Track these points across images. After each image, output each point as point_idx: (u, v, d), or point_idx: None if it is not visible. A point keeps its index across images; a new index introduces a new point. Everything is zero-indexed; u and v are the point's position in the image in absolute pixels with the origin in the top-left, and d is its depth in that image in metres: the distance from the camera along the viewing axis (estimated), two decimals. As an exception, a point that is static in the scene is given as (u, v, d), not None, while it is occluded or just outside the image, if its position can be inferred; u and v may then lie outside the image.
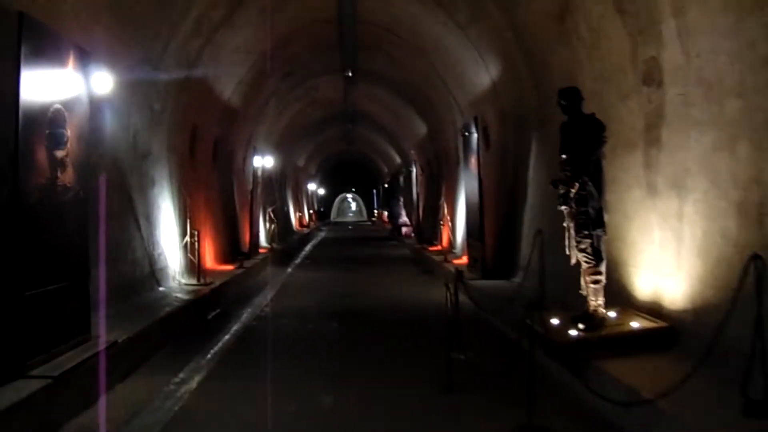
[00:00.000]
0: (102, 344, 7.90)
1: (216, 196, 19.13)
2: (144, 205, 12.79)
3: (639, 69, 8.81)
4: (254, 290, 16.02)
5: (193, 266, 14.47)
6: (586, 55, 10.49)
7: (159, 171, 13.79)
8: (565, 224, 8.38)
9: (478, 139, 14.68)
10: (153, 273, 12.69)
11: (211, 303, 13.08)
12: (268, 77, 21.23)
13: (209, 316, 12.65)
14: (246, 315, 12.92)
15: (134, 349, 8.73)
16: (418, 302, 14.20)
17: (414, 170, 29.75)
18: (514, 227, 14.49)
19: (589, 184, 7.85)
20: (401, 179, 37.76)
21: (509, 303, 10.54)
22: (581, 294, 8.52)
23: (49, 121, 7.18)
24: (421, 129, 27.99)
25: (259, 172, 22.68)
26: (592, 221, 7.87)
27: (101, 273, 8.58)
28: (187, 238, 14.32)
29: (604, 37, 9.79)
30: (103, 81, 8.22)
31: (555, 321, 8.10)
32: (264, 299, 14.81)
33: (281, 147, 31.81)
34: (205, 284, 13.79)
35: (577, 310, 9.71)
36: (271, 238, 26.60)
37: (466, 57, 16.53)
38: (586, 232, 7.90)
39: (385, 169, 52.40)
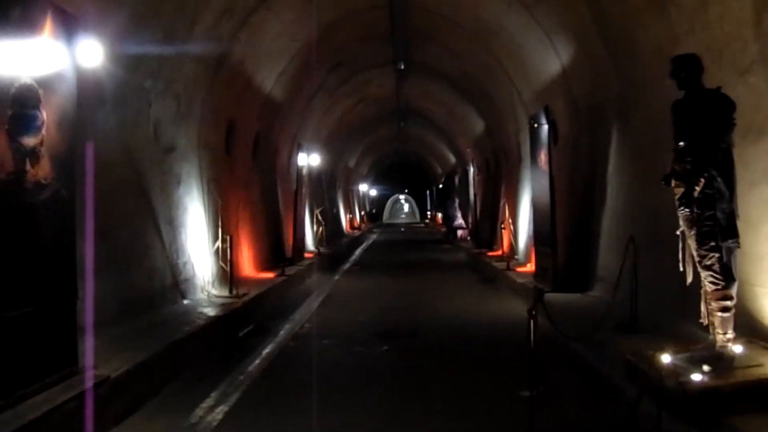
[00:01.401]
0: (89, 380, 6.29)
1: (256, 196, 17.57)
2: (167, 207, 11.25)
3: (766, 35, 6.99)
4: (295, 302, 14.35)
5: (226, 275, 12.88)
6: (686, 25, 8.61)
7: (187, 168, 12.24)
8: (679, 231, 6.53)
9: (549, 131, 12.81)
10: (176, 284, 11.13)
11: (242, 318, 11.46)
12: (314, 69, 19.59)
13: (240, 334, 11.02)
14: (283, 333, 11.26)
15: (136, 384, 7.11)
16: (480, 319, 12.37)
17: (471, 170, 27.90)
18: (589, 233, 12.62)
19: (718, 179, 6.00)
20: (456, 179, 35.91)
21: (593, 324, 8.76)
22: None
23: (12, 99, 5.57)
24: (478, 126, 26.18)
25: (305, 171, 21.06)
26: (722, 229, 6.00)
27: (88, 289, 6.94)
28: (218, 244, 12.70)
29: (713, 1, 7.94)
30: (92, 53, 6.54)
31: (666, 358, 6.23)
32: (305, 313, 13.15)
33: (330, 146, 30.24)
34: (238, 296, 12.18)
35: (679, 336, 7.92)
36: (318, 241, 25.01)
37: (532, 41, 14.69)
38: (713, 244, 6.04)
39: (439, 170, 50.70)
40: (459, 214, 34.75)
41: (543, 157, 13.20)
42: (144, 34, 9.93)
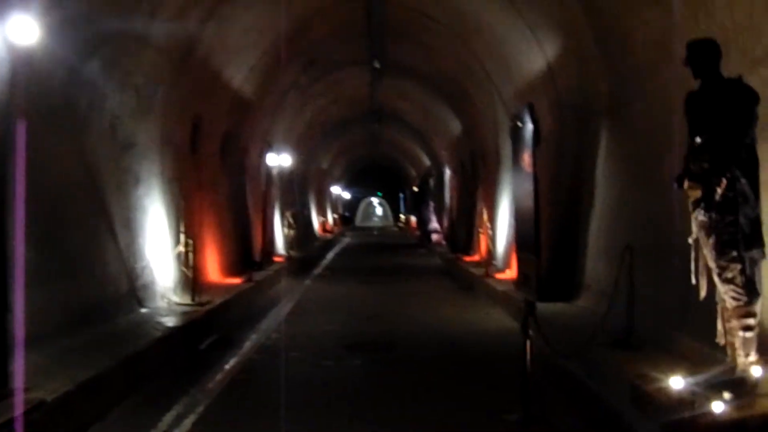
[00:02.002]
0: (20, 405, 5.47)
1: (224, 198, 16.73)
2: (124, 209, 10.42)
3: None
4: (262, 310, 13.53)
5: (190, 281, 12.05)
6: (687, 12, 7.92)
7: (147, 167, 11.41)
8: (691, 239, 5.80)
9: (533, 130, 12.08)
10: (133, 291, 10.29)
11: (204, 328, 10.65)
12: (286, 66, 18.76)
13: (202, 346, 10.21)
14: (248, 344, 10.46)
15: (78, 407, 6.28)
16: (460, 330, 11.65)
17: (446, 172, 27.20)
18: (575, 239, 11.93)
19: (742, 180, 5.27)
20: (431, 182, 35.24)
21: (584, 337, 8.06)
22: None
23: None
24: (455, 127, 25.48)
25: (275, 172, 20.25)
26: (744, 237, 5.27)
27: (20, 301, 6.09)
28: (180, 248, 11.86)
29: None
30: (25, 30, 5.70)
31: (678, 383, 5.50)
32: (273, 322, 12.35)
33: (303, 147, 29.41)
34: (200, 304, 11.36)
35: (680, 353, 7.24)
36: (289, 245, 24.18)
37: (515, 37, 14.00)
38: (735, 254, 5.28)
39: (413, 173, 50.02)
40: (434, 218, 34.07)
41: (527, 158, 12.49)
42: (99, 18, 9.10)
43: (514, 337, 10.63)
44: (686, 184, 5.68)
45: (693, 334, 7.45)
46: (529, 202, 12.38)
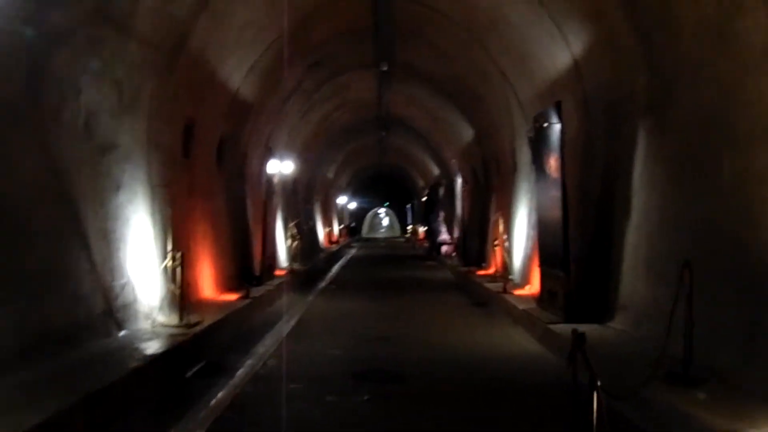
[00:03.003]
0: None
1: (221, 207, 15.53)
2: (101, 219, 9.22)
3: None
4: (259, 331, 12.23)
5: (182, 298, 10.87)
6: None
7: (130, 172, 10.21)
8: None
9: (561, 131, 10.82)
10: (111, 312, 9.08)
11: (192, 353, 9.44)
12: (288, 67, 17.56)
13: (188, 374, 8.99)
14: (241, 372, 9.21)
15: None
16: (478, 355, 10.33)
17: (457, 181, 25.95)
18: (607, 252, 10.69)
19: None
20: (441, 192, 33.98)
21: (630, 369, 6.86)
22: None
23: None
24: (467, 133, 24.28)
25: (276, 179, 19.05)
26: None
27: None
28: (167, 262, 10.64)
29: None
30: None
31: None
32: (270, 345, 11.07)
33: (307, 154, 28.24)
34: (188, 325, 10.14)
35: (751, 391, 6.02)
36: (292, 257, 22.95)
37: (536, 30, 12.82)
38: None
39: (421, 183, 48.87)
40: (444, 229, 32.80)
41: (553, 162, 11.24)
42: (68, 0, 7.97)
43: (542, 364, 9.46)
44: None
45: (759, 363, 6.25)
46: (555, 211, 11.15)
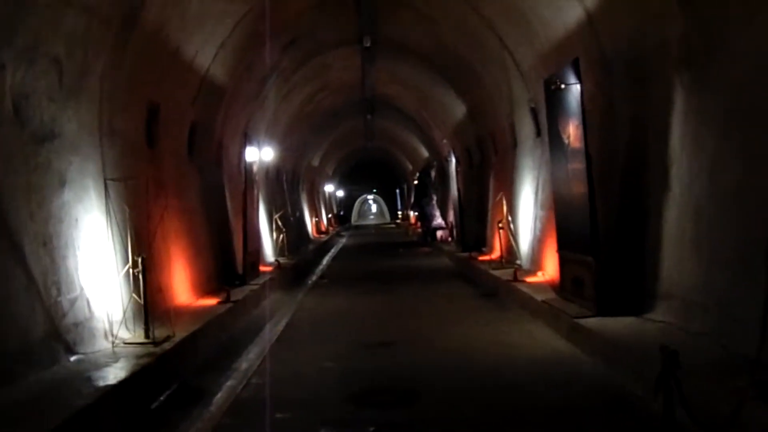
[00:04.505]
0: None
1: (195, 202, 13.96)
2: (39, 222, 7.64)
3: None
4: (241, 340, 10.67)
5: (152, 309, 9.33)
6: None
7: (78, 164, 8.63)
8: None
9: (581, 92, 9.28)
10: (57, 334, 7.52)
11: (160, 377, 7.91)
12: (263, 46, 15.99)
13: (154, 405, 7.47)
14: (219, 399, 7.67)
15: None
16: (500, 360, 8.72)
17: (451, 161, 24.40)
18: (641, 232, 9.21)
19: None
20: (433, 174, 32.42)
21: (708, 379, 5.40)
22: None
23: None
24: (458, 110, 22.76)
25: (256, 168, 17.46)
26: None
27: None
28: (128, 269, 9.09)
29: None
30: None
31: None
32: (254, 359, 9.49)
33: (290, 141, 26.69)
34: (155, 342, 8.60)
35: None
36: (279, 251, 21.41)
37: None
38: None
39: (410, 166, 47.39)
40: (437, 213, 31.27)
41: (572, 130, 9.70)
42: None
43: (578, 371, 7.91)
44: None
45: None
46: (577, 186, 9.64)
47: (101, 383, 6.76)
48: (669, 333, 7.67)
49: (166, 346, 8.56)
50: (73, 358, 7.59)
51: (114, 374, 7.12)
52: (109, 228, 9.20)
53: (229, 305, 11.95)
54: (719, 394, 5.33)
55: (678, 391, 4.28)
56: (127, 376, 7.13)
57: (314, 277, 20.09)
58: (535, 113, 14.26)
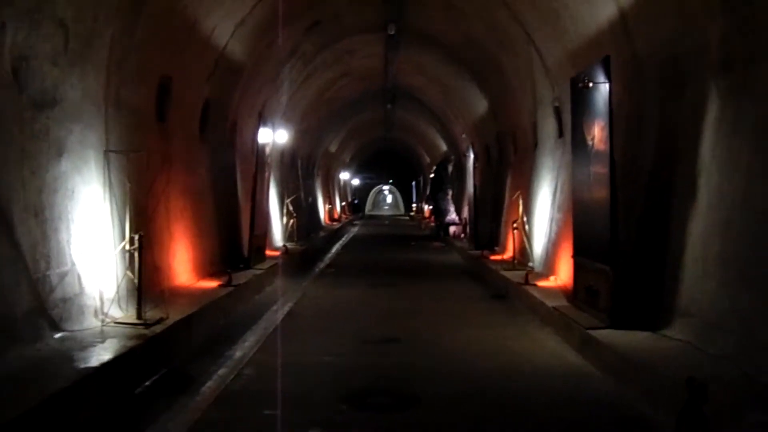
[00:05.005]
0: None
1: (204, 181, 13.62)
2: (31, 191, 7.31)
3: None
4: (238, 328, 10.30)
5: (149, 288, 9.00)
6: None
7: (79, 134, 8.29)
8: None
9: (610, 92, 8.82)
10: (42, 309, 7.17)
11: (148, 360, 7.56)
12: (284, 26, 15.57)
13: (138, 390, 7.12)
14: (208, 387, 7.31)
15: None
16: (507, 368, 8.25)
17: (470, 157, 23.92)
18: (663, 244, 8.75)
19: None
20: (450, 168, 31.93)
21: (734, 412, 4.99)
22: None
23: None
24: (480, 105, 22.29)
25: (268, 150, 17.09)
26: None
27: None
28: (125, 245, 8.74)
29: None
30: None
31: None
32: (249, 348, 9.10)
33: (308, 127, 26.31)
34: (147, 323, 8.25)
35: None
36: (288, 236, 21.06)
37: (573, -21, 10.85)
38: None
39: (428, 159, 46.90)
40: (452, 208, 30.79)
41: (597, 131, 9.25)
42: None
43: (591, 388, 7.44)
44: None
45: None
46: (599, 191, 9.20)
47: (82, 365, 6.42)
48: (687, 353, 7.23)
49: (158, 328, 8.22)
50: (57, 336, 7.26)
51: (98, 355, 6.78)
52: (109, 202, 8.86)
53: (229, 289, 11.61)
54: (743, 428, 4.92)
55: (704, 429, 3.86)
56: (112, 358, 6.79)
57: (322, 265, 19.71)
58: (558, 113, 13.79)
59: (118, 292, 8.73)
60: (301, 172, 27.33)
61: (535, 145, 16.22)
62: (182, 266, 11.75)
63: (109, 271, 8.68)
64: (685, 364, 6.78)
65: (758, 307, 6.53)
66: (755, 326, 6.52)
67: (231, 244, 14.93)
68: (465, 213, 27.42)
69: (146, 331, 8.00)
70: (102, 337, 7.57)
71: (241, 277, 12.83)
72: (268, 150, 17.13)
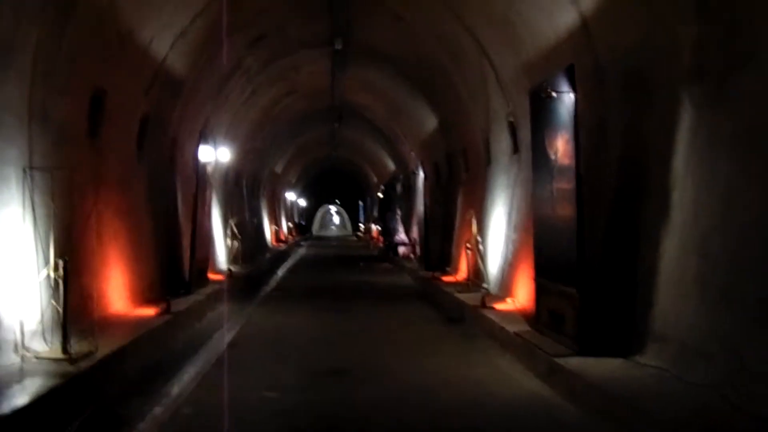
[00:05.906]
0: None
1: (140, 201, 12.78)
2: (-63, 211, 6.46)
3: None
4: (176, 361, 9.45)
5: (77, 318, 8.18)
6: None
7: (-5, 150, 7.46)
8: None
9: (575, 103, 8.29)
10: (-51, 347, 6.33)
11: (72, 401, 6.74)
12: (227, 38, 14.84)
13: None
14: (143, 428, 6.54)
15: None
16: (468, 402, 7.55)
17: (419, 175, 23.40)
18: (632, 263, 8.23)
19: None
20: (399, 188, 31.42)
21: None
22: None
23: None
24: (430, 122, 21.80)
25: (210, 169, 16.30)
26: None
27: None
28: (48, 272, 7.92)
29: None
30: None
31: None
32: (188, 383, 8.32)
33: (252, 145, 25.51)
34: (71, 359, 7.44)
35: None
36: (233, 259, 20.23)
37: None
38: None
39: (375, 179, 46.35)
40: (401, 228, 30.25)
41: (560, 145, 8.71)
42: None
43: (561, 418, 6.89)
44: None
45: None
46: (562, 209, 8.66)
47: (-6, 410, 5.61)
48: (664, 382, 6.68)
49: (85, 363, 7.42)
50: (-37, 377, 6.43)
51: (11, 399, 5.97)
52: (31, 224, 8.03)
53: (167, 317, 10.80)
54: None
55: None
56: (27, 402, 5.97)
57: (268, 289, 18.90)
58: (513, 128, 13.30)
59: (42, 323, 7.90)
60: (246, 192, 26.53)
61: (488, 162, 15.72)
62: (116, 293, 10.91)
63: (31, 301, 7.85)
64: (664, 394, 6.23)
65: (744, 330, 6.01)
66: (742, 351, 5.98)
67: (171, 269, 14.08)
68: (414, 233, 26.91)
69: (71, 368, 7.19)
70: (20, 375, 6.76)
71: (182, 304, 12.03)
72: (210, 169, 16.35)
